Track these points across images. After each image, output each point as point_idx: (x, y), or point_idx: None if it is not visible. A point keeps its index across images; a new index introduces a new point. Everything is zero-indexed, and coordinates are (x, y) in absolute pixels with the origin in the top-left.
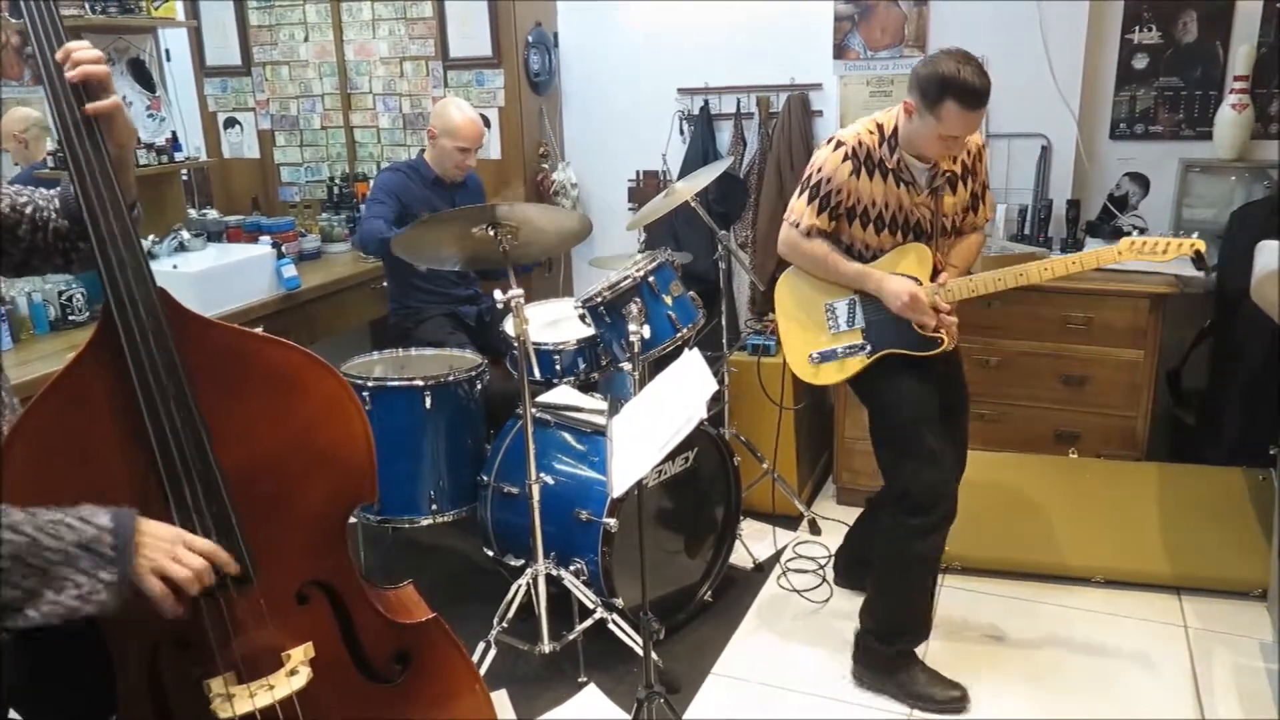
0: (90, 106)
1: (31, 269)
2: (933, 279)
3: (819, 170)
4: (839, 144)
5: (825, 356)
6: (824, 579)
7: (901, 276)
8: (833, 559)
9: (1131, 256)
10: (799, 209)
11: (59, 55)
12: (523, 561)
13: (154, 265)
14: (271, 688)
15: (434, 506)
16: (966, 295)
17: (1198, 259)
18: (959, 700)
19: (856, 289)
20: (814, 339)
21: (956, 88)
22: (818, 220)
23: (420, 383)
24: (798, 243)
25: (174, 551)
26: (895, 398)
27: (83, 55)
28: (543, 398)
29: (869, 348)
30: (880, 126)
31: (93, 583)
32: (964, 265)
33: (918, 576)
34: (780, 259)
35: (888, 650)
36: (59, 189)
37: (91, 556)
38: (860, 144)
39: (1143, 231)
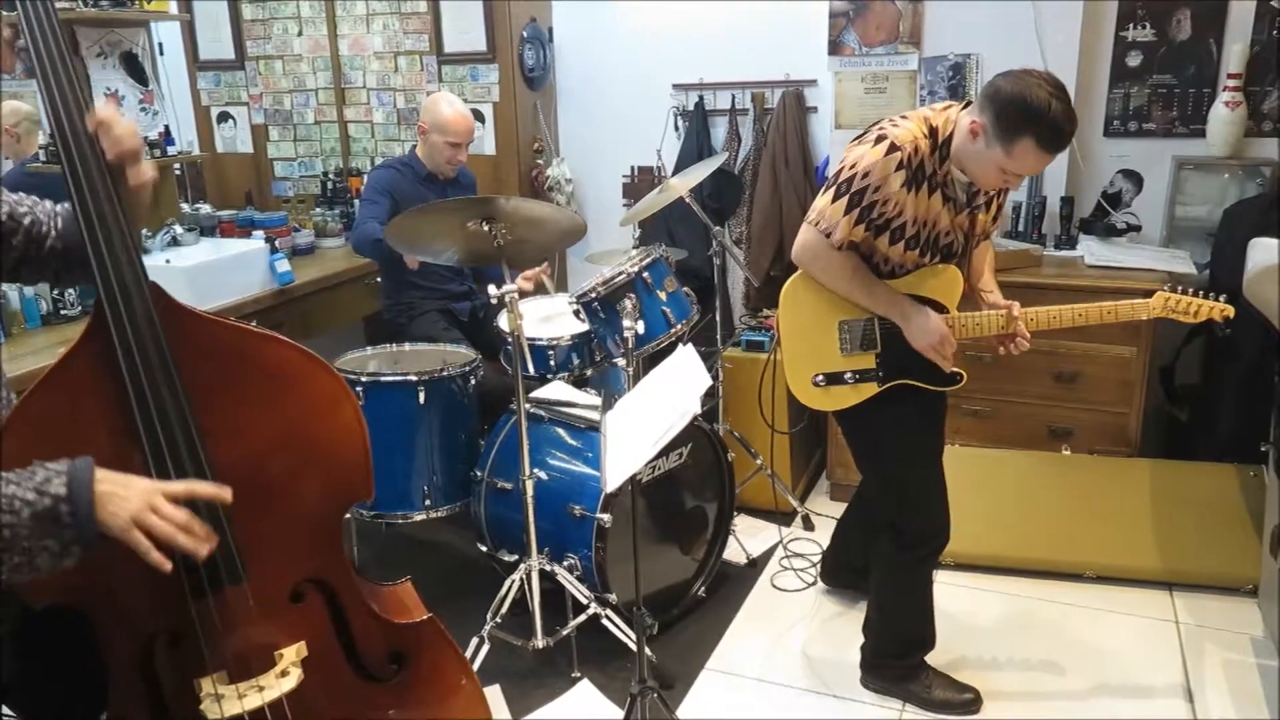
0: (135, 183)
1: (20, 278)
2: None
3: (864, 175)
4: (893, 147)
5: (832, 379)
6: (818, 575)
7: (933, 312)
8: (819, 561)
9: (1163, 314)
10: (832, 216)
11: (90, 124)
12: (516, 557)
13: (147, 260)
14: (261, 689)
15: (428, 501)
16: (1041, 326)
17: (1225, 324)
18: (973, 702)
19: (878, 313)
20: (821, 359)
21: (1043, 126)
22: (853, 233)
23: (414, 378)
24: (824, 253)
25: (152, 502)
26: (893, 433)
27: (119, 132)
28: (537, 393)
29: (882, 374)
30: (934, 131)
31: (59, 546)
32: (993, 282)
33: (919, 596)
34: (775, 256)
35: (897, 664)
36: (64, 208)
37: (52, 526)
38: (916, 151)
39: (1137, 230)
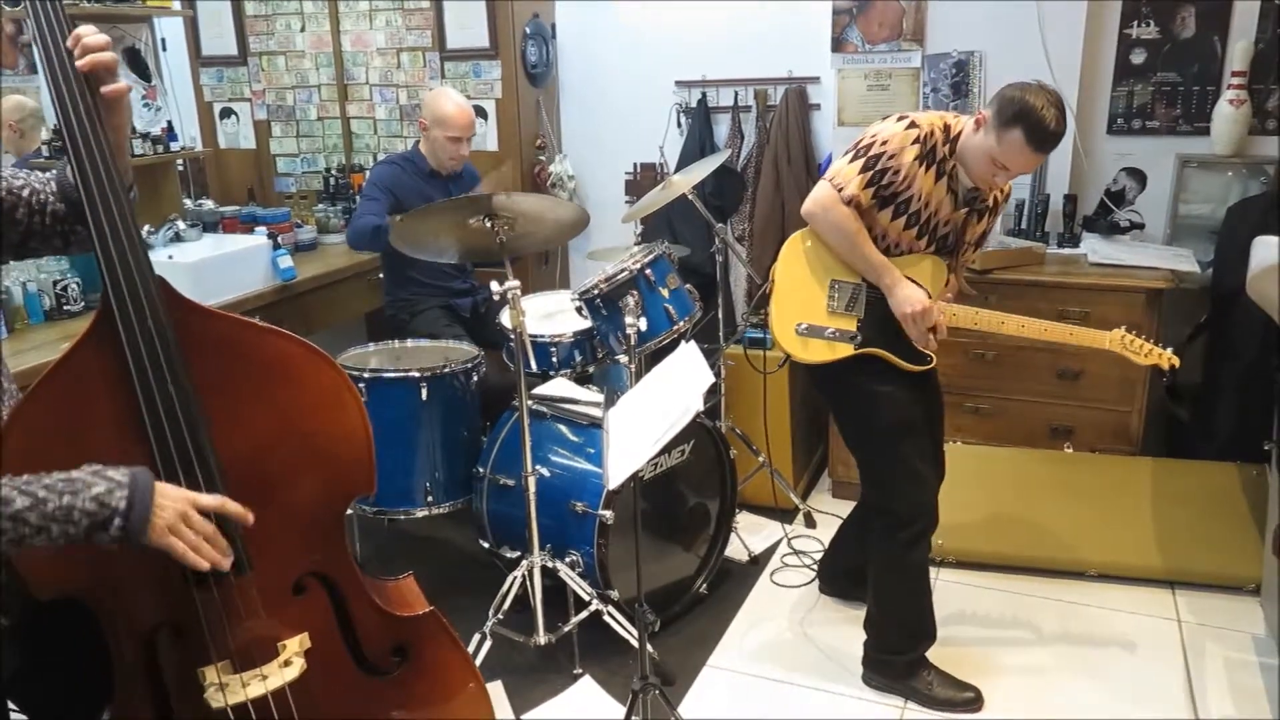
0: (108, 89)
1: (29, 251)
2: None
3: (883, 143)
4: (913, 124)
5: (813, 332)
6: (817, 582)
7: (916, 285)
8: (817, 567)
9: (1118, 348)
10: (848, 175)
11: (69, 42)
12: (518, 553)
13: (149, 255)
14: (264, 678)
15: (430, 498)
16: (967, 324)
17: (1170, 372)
18: (974, 701)
19: (867, 279)
20: (807, 311)
21: (1031, 121)
22: (862, 193)
23: (416, 374)
24: (834, 206)
25: (185, 511)
26: (877, 405)
27: (91, 42)
28: (539, 390)
29: (859, 339)
30: (947, 126)
31: (101, 534)
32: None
33: (915, 584)
34: (777, 253)
35: (898, 659)
36: (55, 172)
37: (101, 534)
38: (932, 134)
39: (1140, 228)
